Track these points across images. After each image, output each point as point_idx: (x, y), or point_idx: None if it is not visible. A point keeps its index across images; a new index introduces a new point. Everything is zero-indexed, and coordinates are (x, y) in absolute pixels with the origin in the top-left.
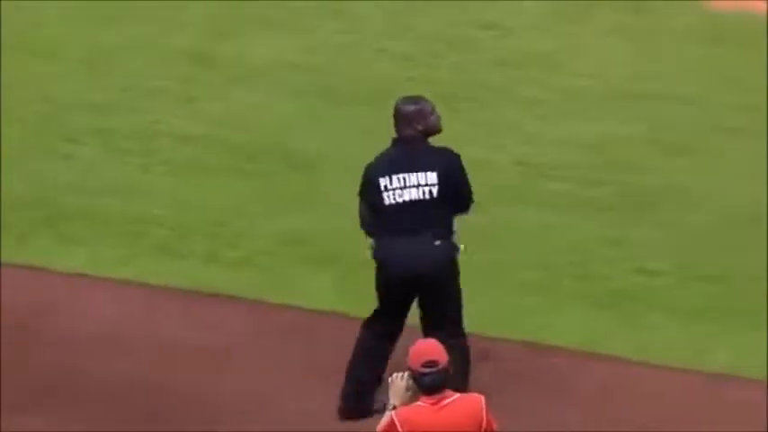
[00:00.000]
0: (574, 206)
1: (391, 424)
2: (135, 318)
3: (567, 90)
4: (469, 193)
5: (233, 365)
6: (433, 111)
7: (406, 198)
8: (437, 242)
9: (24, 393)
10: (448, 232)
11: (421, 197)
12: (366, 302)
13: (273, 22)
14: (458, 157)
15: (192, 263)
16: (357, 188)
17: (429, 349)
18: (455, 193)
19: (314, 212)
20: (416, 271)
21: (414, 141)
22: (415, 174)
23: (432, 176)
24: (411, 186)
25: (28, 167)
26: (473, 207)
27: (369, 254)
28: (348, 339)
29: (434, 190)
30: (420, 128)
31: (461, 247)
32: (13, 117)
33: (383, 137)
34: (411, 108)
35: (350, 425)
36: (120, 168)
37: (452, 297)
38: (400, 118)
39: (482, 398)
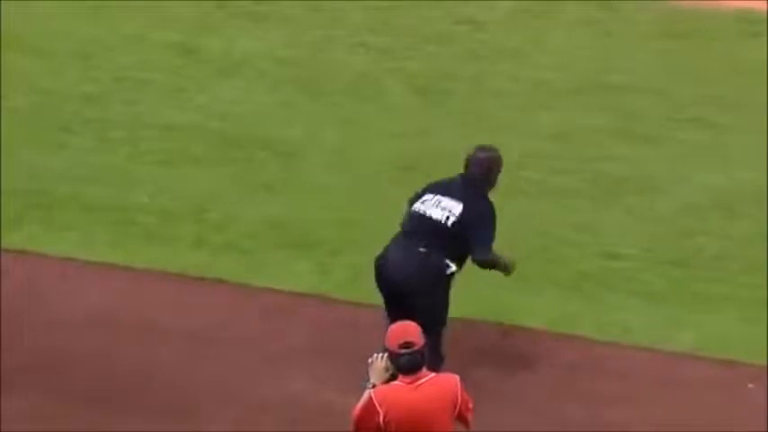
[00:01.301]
0: (543, 193)
1: (369, 402)
2: (124, 301)
3: (535, 82)
4: (484, 240)
5: (217, 347)
6: (496, 165)
7: (428, 212)
8: (423, 252)
9: (14, 374)
10: (442, 254)
11: (437, 218)
12: (346, 286)
13: (257, 17)
14: (490, 207)
15: (179, 247)
16: (338, 177)
17: (406, 331)
18: (467, 233)
19: (295, 198)
20: (393, 276)
21: (468, 179)
22: (447, 198)
23: (457, 208)
24: (437, 206)
25: (21, 156)
26: (485, 256)
27: None
28: (329, 321)
29: (452, 219)
30: (477, 172)
31: (453, 267)
32: (7, 108)
33: (360, 126)
34: (481, 155)
35: (331, 407)
36: (109, 157)
37: (428, 313)
38: (469, 159)
39: (457, 377)
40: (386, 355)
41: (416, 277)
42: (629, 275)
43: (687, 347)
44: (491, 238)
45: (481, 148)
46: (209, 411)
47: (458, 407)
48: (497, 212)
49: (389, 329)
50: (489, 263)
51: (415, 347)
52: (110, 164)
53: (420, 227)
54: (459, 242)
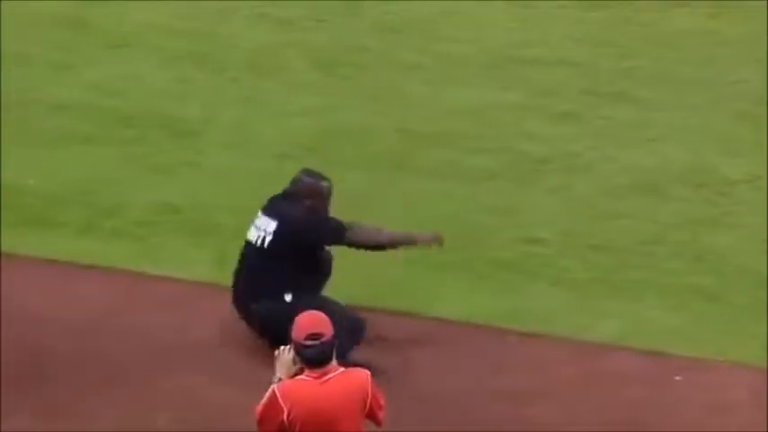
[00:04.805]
0: (457, 174)
1: (272, 398)
2: (5, 291)
3: (448, 56)
4: (333, 235)
5: (108, 340)
6: (318, 196)
7: (248, 235)
8: (253, 308)
9: None
10: (274, 291)
11: (252, 239)
12: None
13: None
14: (307, 213)
15: (67, 234)
16: (238, 158)
17: (313, 322)
18: (295, 250)
19: (192, 181)
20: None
21: (286, 194)
22: (264, 215)
23: (272, 225)
24: (254, 226)
25: None
26: (356, 238)
27: None
28: (228, 313)
29: (268, 239)
30: (296, 190)
31: (288, 296)
32: None
33: (261, 104)
34: (305, 179)
35: (229, 404)
36: None
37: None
38: (293, 178)
39: (367, 373)
40: (292, 347)
41: (260, 325)
42: (549, 261)
43: (610, 338)
44: (336, 225)
45: (308, 173)
46: (98, 407)
47: (368, 404)
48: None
49: (296, 319)
50: (376, 244)
51: (323, 339)
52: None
53: (246, 259)
54: (286, 261)
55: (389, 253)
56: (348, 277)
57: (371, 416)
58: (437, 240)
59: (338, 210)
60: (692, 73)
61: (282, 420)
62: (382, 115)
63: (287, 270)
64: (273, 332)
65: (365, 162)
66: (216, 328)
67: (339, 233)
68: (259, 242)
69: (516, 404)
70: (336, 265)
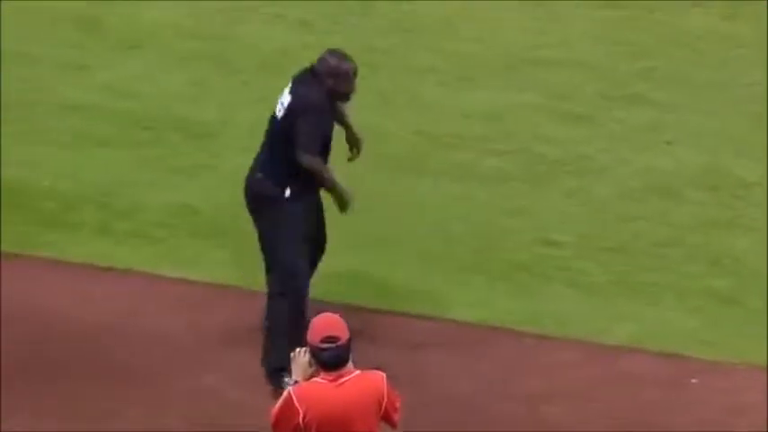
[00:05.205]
0: (472, 176)
1: (288, 400)
2: (22, 292)
3: (465, 56)
4: (302, 139)
5: (125, 341)
6: (341, 75)
7: (274, 110)
8: (259, 177)
9: None
10: (278, 174)
11: (275, 114)
12: (263, 276)
13: None
14: (317, 99)
15: (83, 235)
16: (252, 158)
17: (329, 324)
18: (293, 129)
19: (207, 183)
20: (244, 192)
21: (310, 70)
22: (286, 90)
23: (287, 98)
24: (278, 101)
25: None
26: (303, 158)
27: None
28: (245, 314)
29: (281, 113)
30: (318, 68)
31: (288, 191)
32: None
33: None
34: (329, 59)
35: (245, 405)
36: (6, 139)
37: (263, 237)
38: (319, 57)
39: (383, 375)
40: (308, 349)
41: (254, 203)
42: (565, 264)
43: (626, 340)
44: (310, 137)
45: (332, 53)
46: (113, 408)
47: (383, 406)
48: (323, 113)
49: (312, 323)
50: (314, 171)
51: (339, 342)
52: (5, 146)
53: (267, 132)
54: (291, 144)
55: (407, 252)
56: (363, 279)
57: (387, 418)
58: (346, 205)
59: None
60: (708, 75)
61: (298, 423)
62: (397, 117)
63: (291, 155)
64: (260, 215)
65: (380, 164)
66: (232, 329)
67: (304, 143)
68: (278, 114)
69: (532, 406)
70: (353, 269)
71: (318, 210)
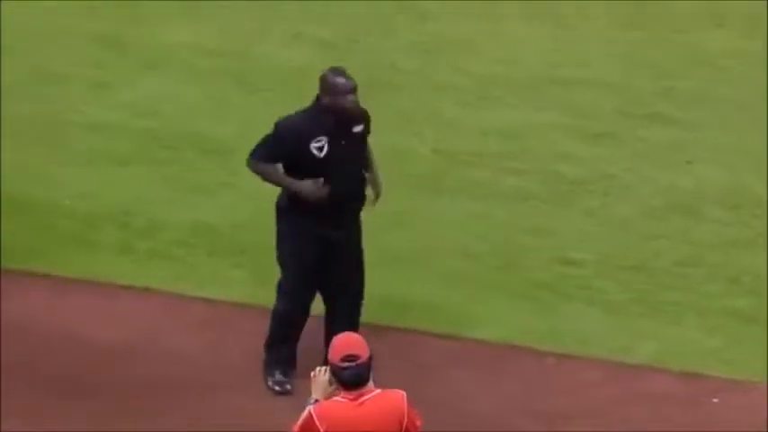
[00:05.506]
0: (493, 195)
1: (309, 419)
2: (44, 311)
3: (485, 76)
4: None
5: (145, 360)
6: (336, 92)
7: None
8: None
9: None
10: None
11: None
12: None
13: (185, 6)
14: (278, 122)
15: (103, 254)
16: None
17: (349, 343)
18: None
19: (227, 202)
20: None
21: None
22: None
23: None
24: None
25: None
26: (247, 162)
27: None
28: (261, 331)
29: None
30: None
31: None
32: None
33: None
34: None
35: (265, 424)
36: (29, 157)
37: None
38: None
39: (404, 393)
40: (328, 368)
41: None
42: (586, 283)
43: (647, 359)
44: (261, 145)
45: (331, 71)
46: (134, 426)
47: (404, 425)
48: (284, 128)
49: (333, 341)
50: (258, 174)
51: (359, 360)
52: (28, 164)
53: None
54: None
55: (426, 271)
56: (383, 298)
57: None
58: (312, 196)
59: (375, 227)
60: (728, 93)
61: None
62: (418, 136)
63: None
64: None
65: (401, 182)
66: (253, 348)
67: (253, 149)
68: None
69: (553, 425)
70: (372, 288)
71: (328, 247)
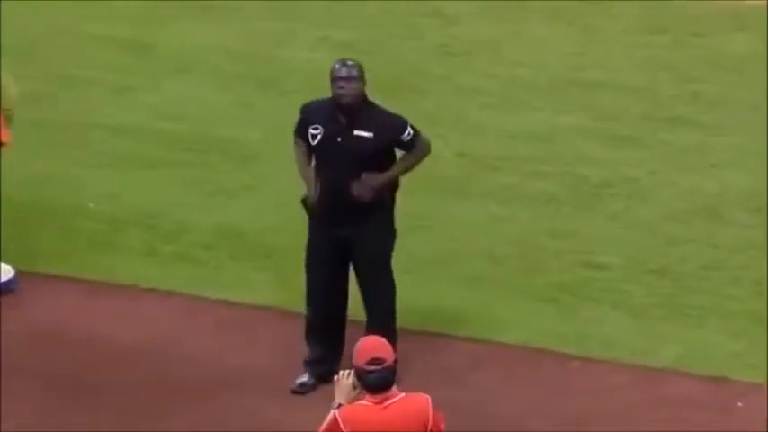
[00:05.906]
0: (519, 198)
1: (334, 422)
2: (70, 313)
3: (510, 79)
4: None
5: (170, 363)
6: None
7: None
8: None
9: None
10: None
11: None
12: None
13: (210, 9)
14: None
15: (128, 257)
16: (298, 181)
17: (375, 346)
18: None
19: (252, 205)
20: None
21: None
22: None
23: None
24: None
25: None
26: None
27: None
28: (289, 336)
29: None
30: None
31: None
32: None
33: None
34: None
35: (289, 427)
36: (53, 160)
37: None
38: None
39: (428, 397)
40: (353, 371)
41: None
42: (610, 286)
43: (671, 363)
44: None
45: (336, 60)
46: (158, 428)
47: (429, 429)
48: (302, 106)
49: (358, 344)
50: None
51: (385, 364)
52: (54, 168)
53: None
54: None
55: (451, 274)
56: (408, 302)
57: None
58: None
59: (400, 231)
60: (752, 97)
61: None
62: (443, 139)
63: None
64: None
65: (426, 186)
66: (277, 351)
67: None
68: None
69: (578, 428)
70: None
71: (339, 246)
